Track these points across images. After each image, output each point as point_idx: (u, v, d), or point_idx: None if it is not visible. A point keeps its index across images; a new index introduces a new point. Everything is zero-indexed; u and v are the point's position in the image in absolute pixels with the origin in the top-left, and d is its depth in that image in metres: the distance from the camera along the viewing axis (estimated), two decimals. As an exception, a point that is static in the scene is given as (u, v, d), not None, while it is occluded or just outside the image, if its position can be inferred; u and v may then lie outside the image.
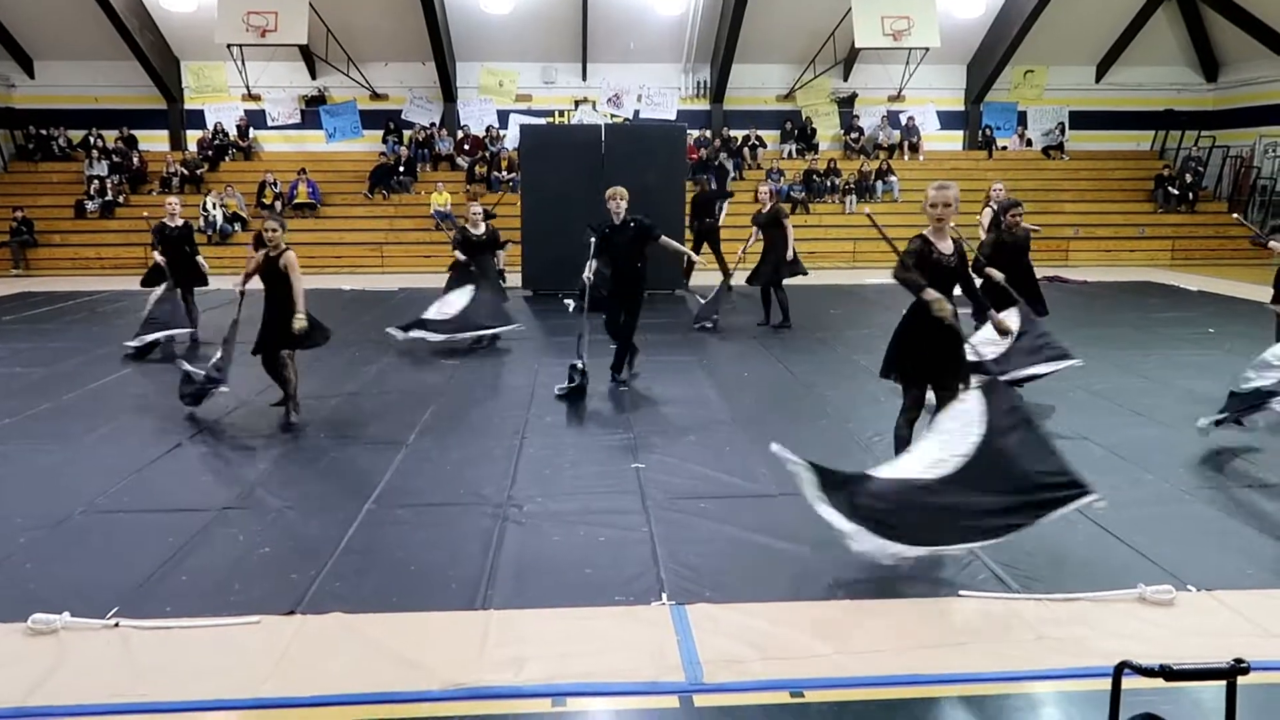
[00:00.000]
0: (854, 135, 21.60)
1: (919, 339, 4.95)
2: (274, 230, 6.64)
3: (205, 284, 10.46)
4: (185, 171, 19.59)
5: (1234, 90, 21.37)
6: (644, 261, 7.79)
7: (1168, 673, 2.08)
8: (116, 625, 3.81)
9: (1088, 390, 7.86)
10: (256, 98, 20.87)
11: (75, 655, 3.61)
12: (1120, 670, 2.17)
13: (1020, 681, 3.45)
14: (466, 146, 20.86)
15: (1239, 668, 2.10)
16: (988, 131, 21.98)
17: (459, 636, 3.75)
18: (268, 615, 3.90)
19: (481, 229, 10.03)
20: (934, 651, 3.63)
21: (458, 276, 10.06)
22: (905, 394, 5.15)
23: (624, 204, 7.70)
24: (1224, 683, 2.13)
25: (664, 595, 4.07)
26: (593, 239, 7.78)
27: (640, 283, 7.82)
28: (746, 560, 4.48)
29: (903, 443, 5.09)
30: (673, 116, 21.03)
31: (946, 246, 4.90)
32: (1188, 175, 20.74)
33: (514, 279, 14.89)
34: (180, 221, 10.15)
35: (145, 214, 10.86)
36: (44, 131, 20.50)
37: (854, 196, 20.07)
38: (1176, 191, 20.46)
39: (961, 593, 4.10)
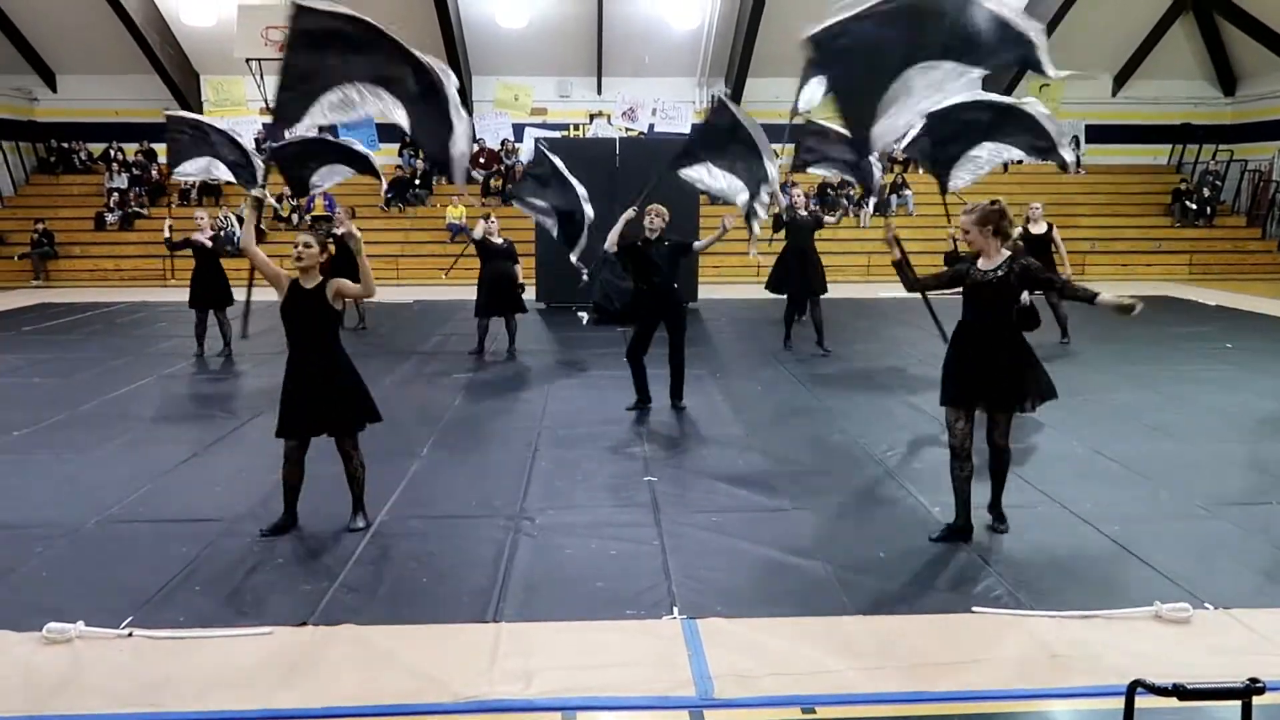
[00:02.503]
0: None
1: (962, 357, 4.80)
2: (308, 247, 4.84)
3: (232, 302, 10.03)
4: (203, 183, 19.74)
5: (1252, 104, 21.24)
6: (679, 281, 7.66)
7: (1182, 692, 2.06)
8: (130, 635, 3.83)
9: (1104, 405, 7.82)
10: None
11: (90, 664, 3.63)
12: (1133, 689, 2.15)
13: (1033, 700, 3.42)
14: (482, 160, 20.97)
15: (1254, 687, 2.07)
16: (1003, 145, 21.90)
17: (470, 649, 3.75)
18: (280, 626, 3.92)
19: (500, 239, 10.20)
20: (946, 669, 3.60)
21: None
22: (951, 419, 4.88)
23: (660, 222, 7.51)
24: (1239, 703, 2.10)
25: (675, 609, 4.06)
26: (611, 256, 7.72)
27: (681, 304, 7.71)
28: (758, 575, 4.47)
29: (965, 472, 4.86)
30: (687, 130, 21.07)
31: (989, 263, 4.71)
32: (1205, 189, 20.62)
33: (527, 289, 14.93)
34: (209, 235, 10.18)
35: (167, 230, 10.46)
36: (64, 145, 20.75)
37: (868, 210, 20.04)
38: (1194, 205, 20.34)
39: (975, 609, 4.08)
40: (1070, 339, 10.54)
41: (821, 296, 10.25)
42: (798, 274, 10.17)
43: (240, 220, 18.63)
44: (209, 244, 9.89)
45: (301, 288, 4.88)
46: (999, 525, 4.97)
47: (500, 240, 10.19)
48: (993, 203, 4.75)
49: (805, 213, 10.48)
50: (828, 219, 10.89)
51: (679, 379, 7.77)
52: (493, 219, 10.43)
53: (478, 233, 10.13)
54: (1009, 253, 4.72)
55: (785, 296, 10.61)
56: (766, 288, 10.80)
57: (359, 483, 5.12)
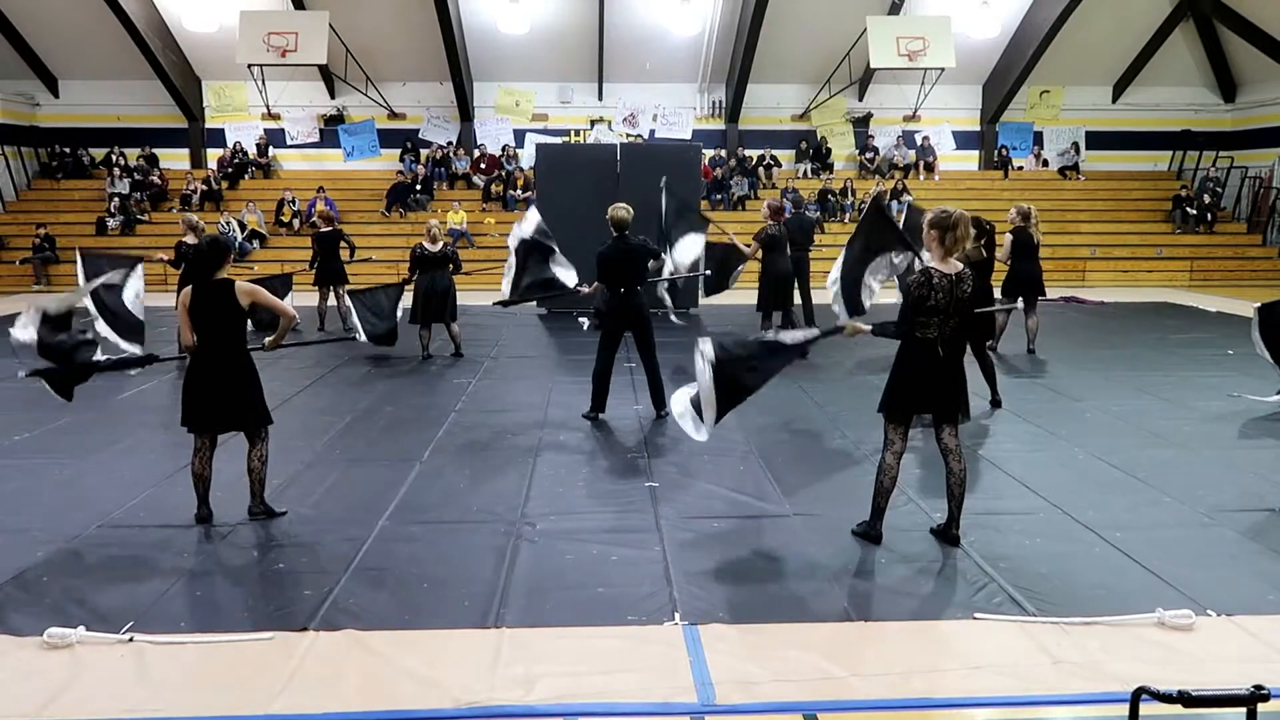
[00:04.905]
0: (869, 155, 21.61)
1: (909, 369, 4.81)
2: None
3: None
4: (205, 189, 19.79)
5: (1252, 110, 21.27)
6: (642, 283, 7.48)
7: (1186, 699, 2.06)
8: (131, 640, 3.82)
9: (1105, 411, 7.81)
10: (276, 117, 21.10)
11: (90, 670, 3.62)
12: (1138, 696, 2.15)
13: (1036, 706, 3.42)
14: (483, 165, 21.01)
15: (1259, 694, 2.07)
16: (1003, 151, 21.95)
17: (471, 654, 3.74)
18: (281, 631, 3.91)
19: (438, 246, 10.17)
20: (948, 675, 3.59)
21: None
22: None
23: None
24: (1244, 709, 2.10)
25: (676, 615, 4.05)
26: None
27: (644, 308, 7.48)
28: (760, 581, 4.46)
29: (891, 484, 4.90)
30: (688, 136, 21.11)
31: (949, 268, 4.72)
32: (1206, 196, 20.63)
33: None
34: (193, 240, 10.19)
35: (159, 256, 11.09)
36: (65, 150, 20.79)
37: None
38: (1195, 212, 20.36)
39: (977, 615, 4.07)
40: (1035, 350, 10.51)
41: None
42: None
43: (241, 225, 18.68)
44: (191, 244, 9.94)
45: (210, 282, 5.07)
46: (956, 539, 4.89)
47: (438, 248, 10.13)
48: (945, 212, 4.68)
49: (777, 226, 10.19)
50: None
51: (657, 386, 7.63)
52: (434, 224, 10.44)
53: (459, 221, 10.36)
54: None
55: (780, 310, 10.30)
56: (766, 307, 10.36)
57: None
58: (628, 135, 21.20)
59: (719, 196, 20.38)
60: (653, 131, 21.54)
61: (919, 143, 21.66)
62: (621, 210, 7.34)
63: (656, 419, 7.55)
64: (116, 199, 19.43)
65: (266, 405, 5.33)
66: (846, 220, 20.04)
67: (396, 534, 5.07)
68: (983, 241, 7.85)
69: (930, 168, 21.53)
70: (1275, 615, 4.07)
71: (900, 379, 4.83)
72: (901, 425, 4.89)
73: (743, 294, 16.44)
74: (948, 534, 4.91)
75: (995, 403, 7.89)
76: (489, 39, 20.22)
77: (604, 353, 7.53)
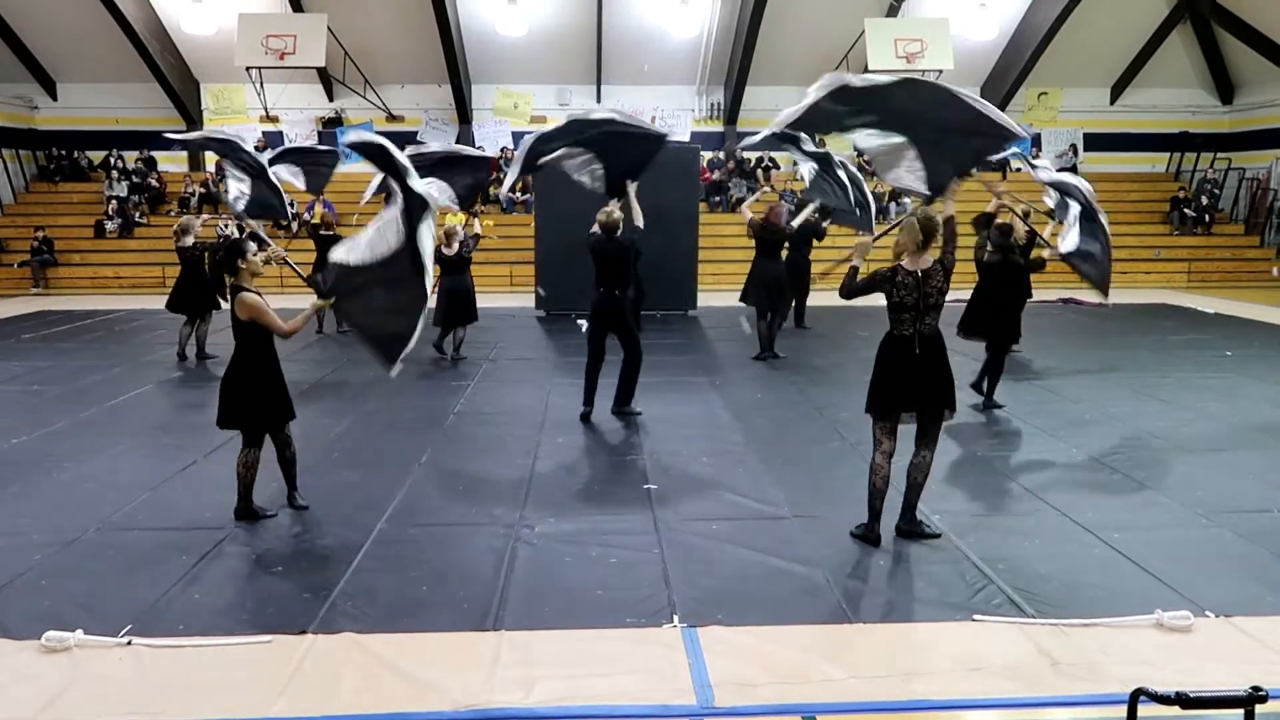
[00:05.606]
0: (868, 157, 21.60)
1: (887, 367, 4.91)
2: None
3: (219, 307, 10.25)
4: (203, 191, 19.78)
5: (1250, 112, 21.29)
6: (627, 287, 7.54)
7: (1184, 700, 2.06)
8: (129, 643, 3.82)
9: (1103, 412, 7.82)
10: (275, 119, 21.08)
11: (88, 673, 3.62)
12: (1136, 697, 2.15)
13: (1035, 708, 3.42)
14: (481, 167, 21.00)
15: (1257, 695, 2.07)
16: (1002, 153, 21.96)
17: (470, 657, 3.74)
18: (280, 634, 3.91)
19: (454, 248, 10.19)
20: (947, 676, 3.59)
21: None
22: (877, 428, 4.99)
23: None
24: (1242, 711, 2.10)
25: (675, 617, 4.05)
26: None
27: (624, 311, 7.55)
28: (759, 582, 4.46)
29: (883, 484, 4.93)
30: (686, 138, 21.10)
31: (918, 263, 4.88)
32: (1204, 197, 20.66)
33: (528, 300, 14.96)
34: (190, 241, 10.21)
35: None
36: (63, 153, 20.77)
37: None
38: (1193, 213, 20.39)
39: (976, 617, 4.07)
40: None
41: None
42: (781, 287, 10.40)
43: (240, 228, 18.64)
44: (185, 245, 10.10)
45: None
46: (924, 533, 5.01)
47: (454, 251, 10.15)
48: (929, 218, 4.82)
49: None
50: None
51: (625, 384, 7.72)
52: (458, 226, 10.48)
53: (478, 226, 10.48)
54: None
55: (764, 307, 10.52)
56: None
57: (243, 481, 5.35)
58: (626, 138, 21.18)
59: (717, 199, 20.39)
60: (651, 134, 21.53)
61: (917, 144, 21.65)
62: (602, 215, 7.47)
63: (612, 411, 7.66)
64: (115, 202, 19.42)
65: (252, 416, 5.26)
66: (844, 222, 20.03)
67: (395, 536, 5.06)
68: (1003, 247, 7.93)
69: (928, 169, 21.50)
70: (1273, 616, 4.07)
71: (880, 377, 4.95)
72: (888, 424, 4.94)
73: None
74: (906, 528, 5.00)
75: (985, 405, 7.90)
76: (487, 41, 20.22)
77: (590, 347, 7.67)
